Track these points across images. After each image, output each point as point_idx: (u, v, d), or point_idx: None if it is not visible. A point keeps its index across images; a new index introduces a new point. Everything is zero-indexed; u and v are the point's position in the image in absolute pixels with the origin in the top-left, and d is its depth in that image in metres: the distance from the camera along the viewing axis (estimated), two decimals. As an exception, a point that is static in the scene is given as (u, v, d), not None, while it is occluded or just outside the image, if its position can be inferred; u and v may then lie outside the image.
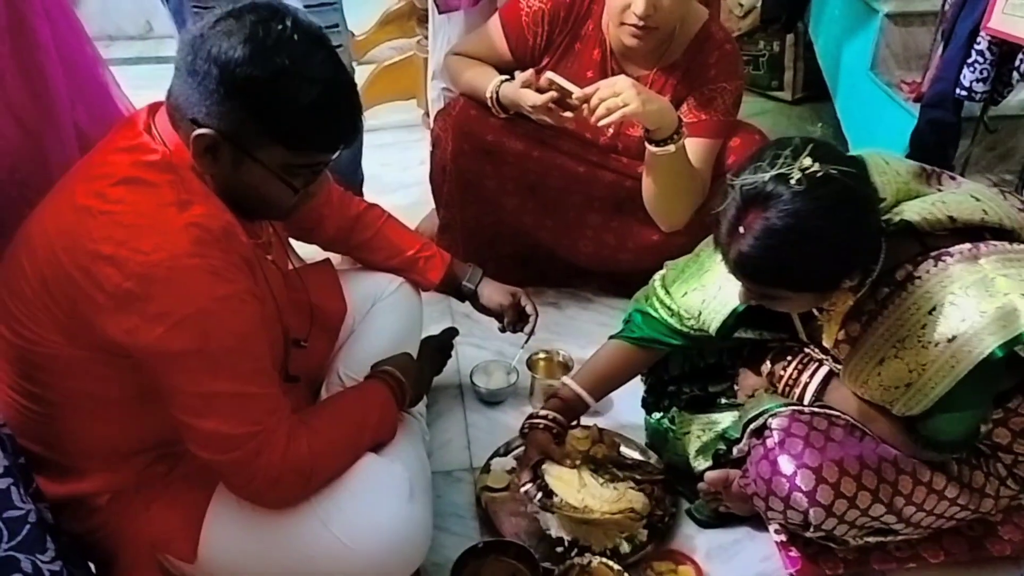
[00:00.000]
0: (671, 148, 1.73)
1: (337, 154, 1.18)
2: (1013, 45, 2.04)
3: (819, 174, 1.13)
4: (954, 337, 1.20)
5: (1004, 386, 1.29)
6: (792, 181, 1.13)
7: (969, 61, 2.11)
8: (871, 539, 1.40)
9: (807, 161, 1.13)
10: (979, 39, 2.08)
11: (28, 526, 1.04)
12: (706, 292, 1.46)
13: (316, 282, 1.49)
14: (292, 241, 1.58)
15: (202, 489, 1.24)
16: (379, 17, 3.30)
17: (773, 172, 1.14)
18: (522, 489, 1.50)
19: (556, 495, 1.47)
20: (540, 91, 1.75)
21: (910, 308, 1.24)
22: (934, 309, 1.22)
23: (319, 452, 1.21)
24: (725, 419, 1.56)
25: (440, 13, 2.24)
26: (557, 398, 1.58)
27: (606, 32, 1.86)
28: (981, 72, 2.11)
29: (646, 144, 1.76)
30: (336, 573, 1.24)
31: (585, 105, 1.69)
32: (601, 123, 1.68)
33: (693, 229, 1.82)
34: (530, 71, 1.79)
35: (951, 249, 1.24)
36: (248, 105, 1.08)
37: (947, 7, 2.32)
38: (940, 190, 1.36)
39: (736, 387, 1.58)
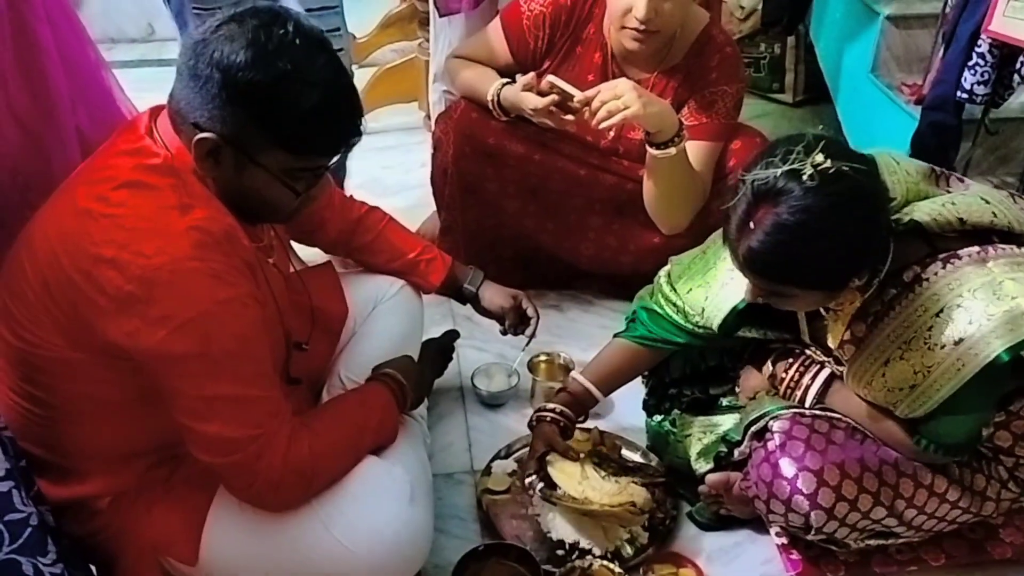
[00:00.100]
0: (672, 151, 1.73)
1: (338, 157, 1.18)
2: (1014, 48, 2.03)
3: (831, 170, 1.12)
4: (961, 340, 1.20)
5: (1006, 389, 1.29)
6: (804, 177, 1.13)
7: (970, 64, 2.11)
8: (872, 542, 1.40)
9: (819, 157, 1.13)
10: (980, 42, 2.08)
11: (29, 529, 1.04)
12: (709, 289, 1.46)
13: (317, 285, 1.49)
14: (293, 243, 1.59)
15: (203, 492, 1.24)
16: (380, 20, 3.30)
17: (785, 168, 1.14)
18: (526, 480, 1.50)
19: (558, 486, 1.47)
20: (541, 94, 1.75)
21: (917, 310, 1.24)
22: (941, 311, 1.22)
23: (320, 455, 1.21)
24: (726, 421, 1.56)
25: (441, 16, 2.25)
26: (566, 392, 1.58)
27: (607, 36, 1.86)
28: (982, 75, 2.10)
29: (647, 147, 1.76)
30: (337, 576, 1.24)
31: (586, 108, 1.69)
32: (602, 126, 1.68)
33: (694, 232, 1.82)
34: (531, 74, 1.79)
35: (960, 252, 1.24)
36: (250, 109, 1.08)
37: (948, 10, 2.32)
38: (949, 191, 1.36)
39: (737, 389, 1.58)
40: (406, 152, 2.78)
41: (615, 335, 1.61)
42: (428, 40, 2.57)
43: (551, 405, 1.56)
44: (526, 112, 1.79)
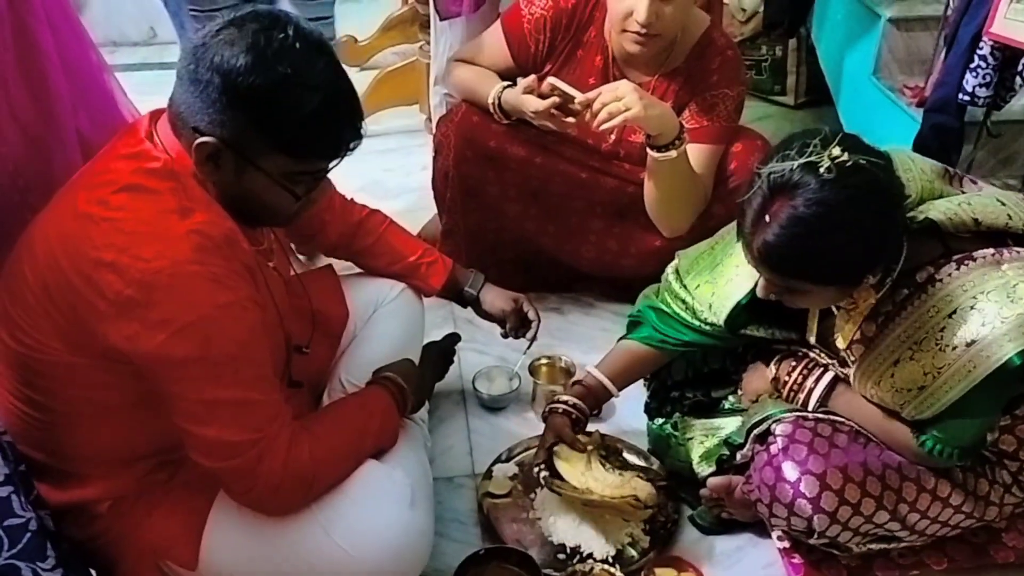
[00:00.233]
0: (672, 154, 1.73)
1: (339, 161, 1.18)
2: (1016, 50, 2.03)
3: (848, 163, 1.11)
4: (973, 341, 1.19)
5: (1015, 392, 1.28)
6: (821, 170, 1.12)
7: (972, 66, 2.11)
8: (874, 546, 1.39)
9: (837, 150, 1.12)
10: (981, 44, 2.08)
11: (29, 534, 1.04)
12: (716, 285, 1.45)
13: (318, 288, 1.49)
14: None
15: (203, 496, 1.24)
16: (382, 22, 3.30)
17: (802, 160, 1.13)
18: (534, 470, 1.51)
19: (562, 476, 1.47)
20: (542, 97, 1.75)
21: (929, 310, 1.23)
22: (954, 312, 1.21)
23: (320, 459, 1.21)
24: (728, 424, 1.56)
25: (441, 19, 2.25)
26: (580, 385, 1.58)
27: (608, 39, 1.86)
28: (984, 77, 2.10)
29: (648, 150, 1.76)
30: (337, 580, 1.23)
31: (587, 110, 1.69)
32: (602, 127, 1.68)
33: (695, 234, 1.81)
34: (532, 77, 1.79)
35: (974, 253, 1.24)
36: (250, 114, 1.08)
37: (950, 12, 2.32)
38: (963, 192, 1.36)
39: (739, 392, 1.58)
40: (407, 155, 2.78)
41: (620, 339, 1.60)
42: (429, 43, 2.57)
43: (565, 397, 1.56)
44: (527, 115, 1.79)
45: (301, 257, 1.82)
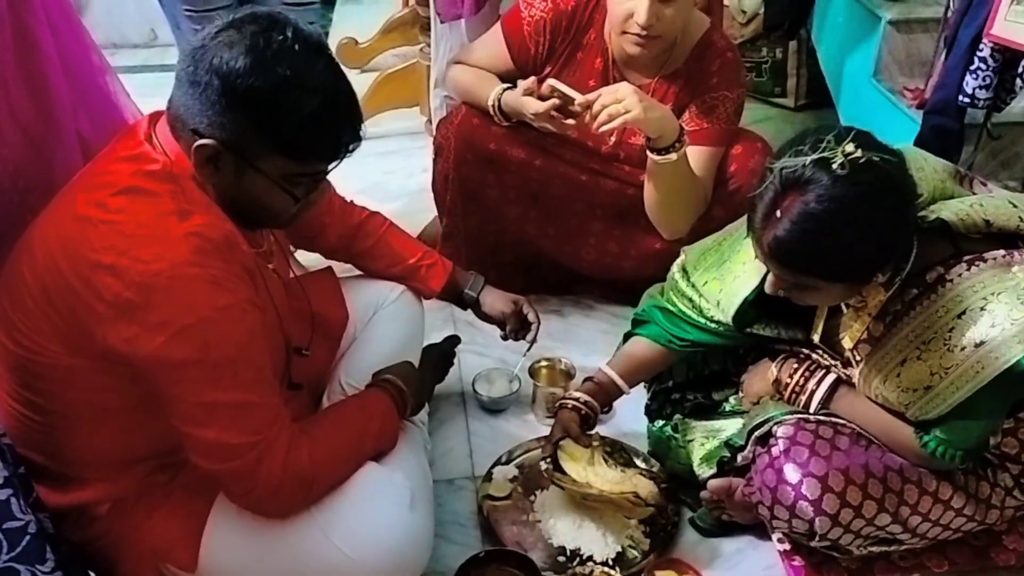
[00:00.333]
0: (673, 156, 1.73)
1: (338, 162, 1.18)
2: (1016, 52, 2.03)
3: (861, 160, 1.11)
4: (982, 342, 1.19)
5: (1021, 395, 1.28)
6: (834, 166, 1.11)
7: (972, 68, 2.11)
8: (875, 549, 1.39)
9: (850, 147, 1.12)
10: (982, 46, 2.08)
11: (28, 537, 1.03)
12: (724, 282, 1.45)
13: (318, 290, 1.49)
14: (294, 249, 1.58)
15: (203, 498, 1.24)
16: (382, 25, 3.30)
17: (815, 156, 1.13)
18: (540, 463, 1.52)
19: (564, 470, 1.48)
20: (542, 99, 1.75)
21: (939, 311, 1.23)
22: (964, 313, 1.21)
23: (320, 461, 1.21)
24: (729, 426, 1.56)
25: (442, 22, 2.25)
26: (592, 382, 1.58)
27: (608, 41, 1.86)
28: (984, 79, 2.10)
29: (648, 152, 1.76)
30: (336, 583, 1.23)
31: (587, 112, 1.69)
32: (602, 129, 1.67)
33: (695, 236, 1.81)
34: (532, 79, 1.79)
35: (985, 254, 1.23)
36: (250, 116, 1.08)
37: (950, 14, 2.32)
38: (973, 193, 1.35)
39: (740, 394, 1.58)
40: (407, 157, 2.78)
41: (626, 335, 1.60)
42: (429, 45, 2.57)
43: (576, 393, 1.56)
44: (527, 117, 1.79)
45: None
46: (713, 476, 1.52)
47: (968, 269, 1.22)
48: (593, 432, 1.63)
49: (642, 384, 1.66)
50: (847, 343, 1.37)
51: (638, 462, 1.66)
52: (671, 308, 1.53)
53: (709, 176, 1.85)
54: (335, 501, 1.24)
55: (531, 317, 1.73)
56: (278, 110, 1.08)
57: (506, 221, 2.01)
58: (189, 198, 1.12)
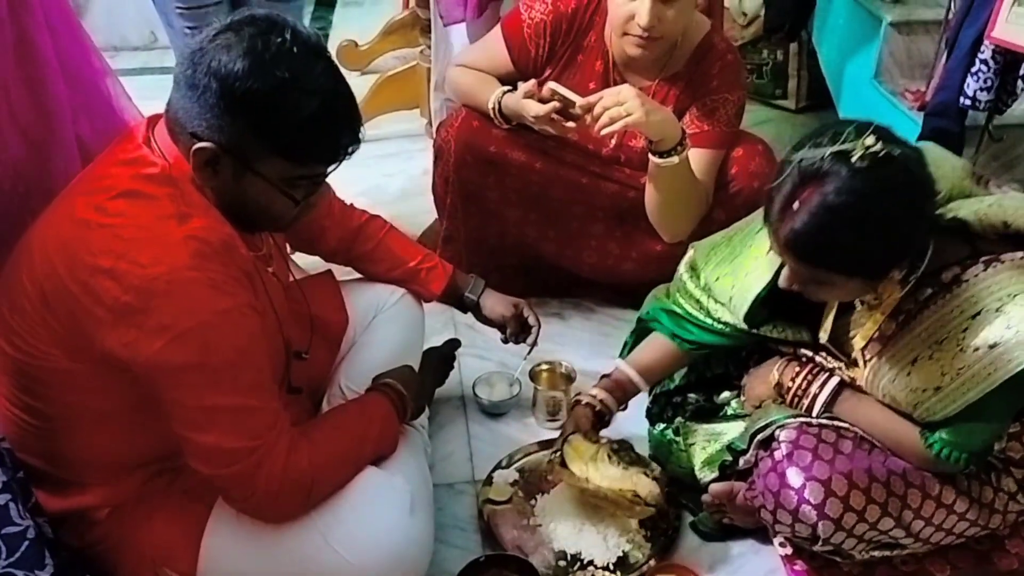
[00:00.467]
0: (675, 160, 1.73)
1: (338, 165, 1.18)
2: (1017, 54, 2.03)
3: (881, 154, 1.10)
4: (996, 344, 1.18)
5: None
6: (853, 159, 1.10)
7: (973, 70, 2.11)
8: (877, 553, 1.39)
9: (870, 140, 1.11)
10: (983, 48, 2.08)
11: (27, 542, 1.03)
12: (736, 278, 1.44)
13: (318, 294, 1.48)
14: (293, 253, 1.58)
15: (202, 503, 1.24)
16: (382, 27, 3.30)
17: (834, 149, 1.12)
18: (547, 456, 1.53)
19: (566, 464, 1.48)
20: (543, 101, 1.74)
21: (953, 311, 1.22)
22: (979, 314, 1.20)
23: (320, 466, 1.21)
24: (730, 430, 1.55)
25: (445, 25, 2.24)
26: (609, 378, 1.57)
27: (608, 43, 1.86)
28: (985, 81, 2.10)
29: (650, 155, 1.75)
30: (337, 587, 1.23)
31: (588, 115, 1.69)
32: (603, 132, 1.67)
33: (696, 239, 1.81)
34: (532, 81, 1.79)
35: (1003, 256, 1.22)
36: (248, 118, 1.08)
37: (951, 16, 2.32)
38: (990, 194, 1.34)
39: (742, 397, 1.57)
40: (407, 159, 2.78)
41: (637, 328, 1.60)
42: (430, 47, 2.57)
43: (593, 390, 1.55)
44: (527, 120, 1.78)
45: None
46: (715, 480, 1.51)
47: (985, 270, 1.22)
48: (599, 437, 1.62)
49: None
50: (858, 342, 1.36)
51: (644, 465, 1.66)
52: (677, 310, 1.53)
53: (710, 179, 1.84)
54: (335, 505, 1.23)
55: (531, 320, 1.73)
56: (277, 112, 1.08)
57: (506, 224, 2.01)
58: (188, 201, 1.12)
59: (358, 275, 1.67)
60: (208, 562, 1.23)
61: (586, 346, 1.99)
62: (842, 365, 1.41)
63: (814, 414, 1.40)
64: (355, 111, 1.16)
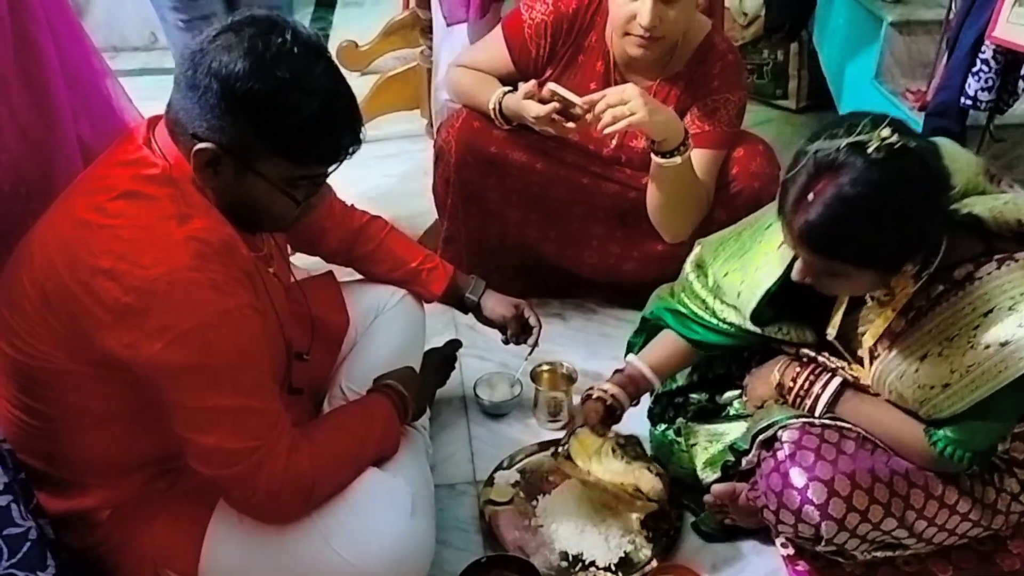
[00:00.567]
0: (677, 160, 1.73)
1: (338, 165, 1.18)
2: (1018, 54, 2.03)
3: (897, 146, 1.10)
4: (1007, 342, 1.18)
5: None
6: (869, 150, 1.10)
7: (974, 70, 2.11)
8: (879, 554, 1.38)
9: (886, 132, 1.10)
10: (984, 48, 2.08)
11: (28, 543, 1.03)
12: (745, 273, 1.44)
13: (319, 295, 1.48)
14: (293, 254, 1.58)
15: (204, 504, 1.24)
16: (383, 27, 3.30)
17: (850, 140, 1.11)
18: (553, 448, 1.54)
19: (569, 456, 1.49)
20: (543, 102, 1.74)
21: (965, 308, 1.22)
22: (991, 312, 1.20)
23: (321, 467, 1.20)
24: (732, 430, 1.55)
25: (448, 25, 2.24)
26: (621, 373, 1.57)
27: (609, 43, 1.86)
28: (986, 81, 2.10)
29: (652, 156, 1.75)
30: (338, 589, 1.23)
31: (589, 114, 1.69)
32: (606, 131, 1.67)
33: (697, 239, 1.81)
34: (532, 82, 1.79)
35: (1016, 255, 1.22)
36: (249, 119, 1.08)
37: (952, 16, 2.32)
38: (1003, 192, 1.34)
39: (744, 397, 1.57)
40: (408, 160, 2.78)
41: (643, 326, 1.60)
42: (430, 48, 2.57)
43: (605, 384, 1.55)
44: (528, 120, 1.78)
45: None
46: (717, 480, 1.51)
47: (998, 268, 1.21)
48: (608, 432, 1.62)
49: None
50: (868, 340, 1.35)
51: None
52: (682, 310, 1.52)
53: (711, 179, 1.84)
54: (336, 507, 1.23)
55: (532, 321, 1.73)
56: (278, 113, 1.08)
57: (507, 224, 2.01)
58: (188, 202, 1.12)
59: (359, 276, 1.67)
60: (209, 563, 1.23)
61: (587, 347, 1.99)
62: (845, 365, 1.41)
63: (816, 414, 1.40)
64: (356, 111, 1.16)
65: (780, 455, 1.35)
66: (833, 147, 1.12)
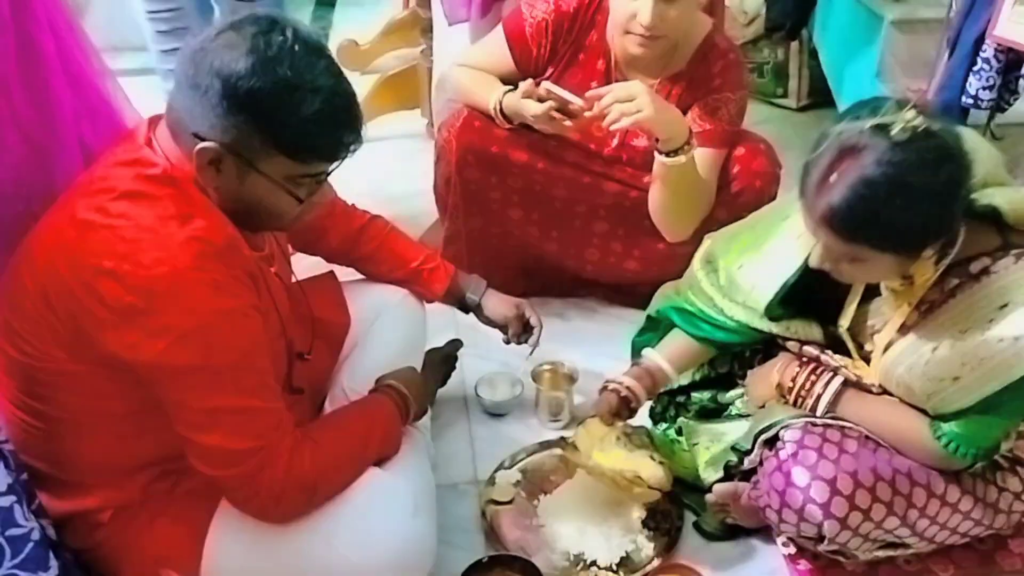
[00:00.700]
0: (681, 159, 1.72)
1: (340, 163, 1.18)
2: (1019, 53, 2.03)
3: (921, 128, 1.10)
4: (1020, 336, 1.18)
5: None
6: (893, 132, 1.10)
7: (975, 69, 2.11)
8: (881, 553, 1.39)
9: (911, 114, 1.10)
10: (985, 47, 2.07)
11: (31, 544, 1.04)
12: (762, 264, 1.43)
13: (320, 295, 1.48)
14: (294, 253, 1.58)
15: (206, 505, 1.24)
16: (383, 27, 3.30)
17: (874, 121, 1.11)
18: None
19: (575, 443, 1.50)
20: (541, 100, 1.74)
21: (980, 301, 1.22)
22: (1006, 305, 1.19)
23: (323, 467, 1.21)
24: (733, 430, 1.56)
25: (450, 25, 2.24)
26: (638, 366, 1.57)
27: (610, 42, 1.85)
28: (987, 80, 2.10)
29: (656, 154, 1.75)
30: (340, 589, 1.23)
31: (589, 111, 1.68)
32: (612, 127, 1.67)
33: (698, 238, 1.81)
34: (529, 81, 1.79)
35: None
36: (252, 117, 1.08)
37: (952, 14, 2.32)
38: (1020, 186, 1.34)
39: (745, 397, 1.57)
40: (409, 160, 2.77)
41: (640, 331, 1.60)
42: (431, 47, 2.57)
43: (620, 377, 1.55)
44: (528, 119, 1.78)
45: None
46: (719, 480, 1.51)
47: (1016, 262, 1.21)
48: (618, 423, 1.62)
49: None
50: (883, 337, 1.34)
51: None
52: (688, 307, 1.52)
53: (713, 178, 1.84)
54: (338, 507, 1.23)
55: (533, 321, 1.73)
56: (280, 111, 1.08)
57: (509, 224, 2.01)
58: (190, 202, 1.12)
59: (360, 276, 1.67)
60: (211, 564, 1.23)
61: (588, 346, 1.98)
62: (848, 363, 1.41)
63: (818, 413, 1.40)
64: (357, 108, 1.16)
65: (782, 454, 1.35)
66: (857, 128, 1.12)
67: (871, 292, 1.37)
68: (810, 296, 1.36)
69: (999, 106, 2.16)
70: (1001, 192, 1.26)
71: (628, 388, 1.52)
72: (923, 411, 1.32)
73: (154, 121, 1.18)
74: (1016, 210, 1.23)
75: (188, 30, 2.12)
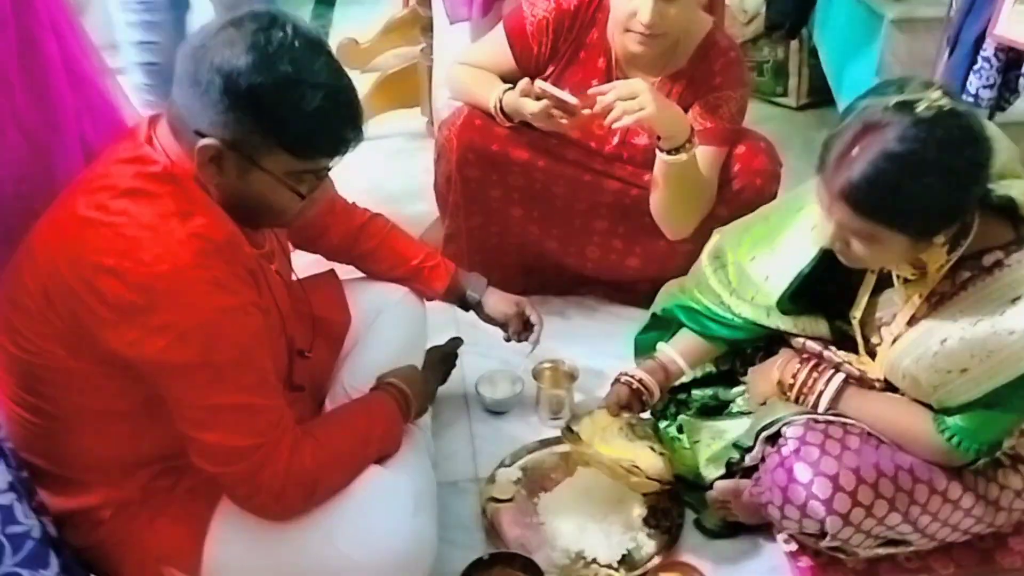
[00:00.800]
0: (683, 157, 1.73)
1: (341, 158, 1.18)
2: (1020, 51, 2.03)
3: (946, 108, 1.10)
4: None
5: None
6: (918, 109, 1.10)
7: (975, 68, 2.11)
8: (881, 550, 1.39)
9: (936, 93, 1.10)
10: (985, 45, 2.07)
11: (31, 541, 1.03)
12: (776, 255, 1.43)
13: (320, 293, 1.48)
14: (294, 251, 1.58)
15: (206, 502, 1.23)
16: (383, 25, 3.30)
17: (899, 98, 1.11)
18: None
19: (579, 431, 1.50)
20: (538, 99, 1.74)
21: (992, 293, 1.21)
22: (1018, 299, 1.19)
23: (323, 464, 1.20)
24: (735, 427, 1.56)
25: (451, 24, 2.24)
26: (652, 360, 1.57)
27: (611, 41, 1.85)
28: (987, 79, 2.10)
29: (657, 152, 1.75)
30: (340, 587, 1.23)
31: (588, 109, 1.68)
32: (615, 125, 1.67)
33: (699, 237, 1.81)
34: (526, 79, 1.79)
35: None
36: (253, 114, 1.08)
37: (953, 13, 2.32)
38: None
39: (747, 395, 1.57)
40: (409, 158, 2.78)
41: (641, 330, 1.59)
42: (431, 45, 2.57)
43: (633, 370, 1.55)
44: (527, 117, 1.78)
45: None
46: (720, 478, 1.51)
47: None
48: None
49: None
50: (892, 328, 1.33)
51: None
52: (694, 305, 1.52)
53: (713, 176, 1.84)
54: (339, 505, 1.23)
55: (534, 319, 1.73)
56: (281, 107, 1.08)
57: (509, 222, 2.01)
58: (191, 199, 1.12)
59: (360, 274, 1.67)
60: (212, 561, 1.23)
61: (588, 344, 1.98)
62: (853, 358, 1.41)
63: (820, 410, 1.40)
64: (357, 104, 1.16)
65: (785, 451, 1.35)
66: (881, 104, 1.12)
67: (882, 284, 1.37)
68: (821, 289, 1.35)
69: (999, 105, 2.16)
70: (1018, 184, 1.26)
71: (640, 381, 1.52)
72: (927, 406, 1.32)
73: (155, 119, 1.18)
74: None
75: (160, 24, 2.11)
